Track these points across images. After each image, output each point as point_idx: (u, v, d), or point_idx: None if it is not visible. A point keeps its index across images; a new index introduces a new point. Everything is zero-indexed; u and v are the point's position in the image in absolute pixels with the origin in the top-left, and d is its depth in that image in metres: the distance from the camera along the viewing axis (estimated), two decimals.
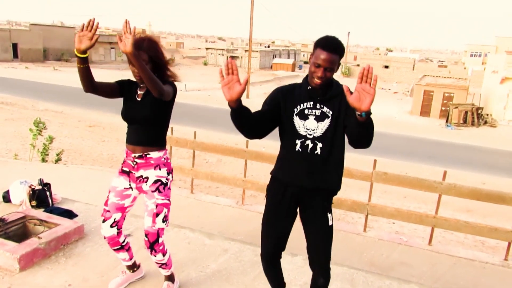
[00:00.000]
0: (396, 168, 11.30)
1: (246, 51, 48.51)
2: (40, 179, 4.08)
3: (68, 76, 32.32)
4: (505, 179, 12.75)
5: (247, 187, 6.24)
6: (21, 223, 3.44)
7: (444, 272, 4.74)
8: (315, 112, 2.19)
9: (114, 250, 2.67)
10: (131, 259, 2.80)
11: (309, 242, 2.32)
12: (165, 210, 2.52)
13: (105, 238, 2.61)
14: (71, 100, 21.03)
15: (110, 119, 16.92)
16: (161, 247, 2.55)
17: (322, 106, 2.19)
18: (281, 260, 2.49)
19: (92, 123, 16.65)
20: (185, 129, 12.13)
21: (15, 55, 42.54)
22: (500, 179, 12.77)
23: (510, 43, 46.54)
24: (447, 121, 24.18)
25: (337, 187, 2.30)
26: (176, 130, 6.94)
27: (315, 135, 2.19)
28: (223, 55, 58.25)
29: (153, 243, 2.50)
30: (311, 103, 2.20)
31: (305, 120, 2.20)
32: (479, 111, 24.45)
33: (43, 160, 8.59)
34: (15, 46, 42.40)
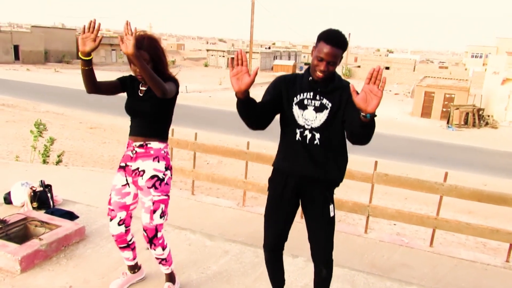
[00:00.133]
0: (397, 169, 11.28)
1: (246, 52, 48.57)
2: (41, 181, 4.08)
3: (69, 78, 32.38)
4: (507, 180, 12.72)
5: (248, 188, 6.24)
6: (22, 224, 3.45)
7: (446, 273, 4.73)
8: (314, 103, 2.19)
9: (120, 248, 2.68)
10: (134, 259, 2.80)
11: (311, 233, 2.32)
12: (162, 206, 2.51)
13: (113, 236, 2.62)
14: (72, 102, 21.06)
15: (111, 121, 16.94)
16: (160, 241, 2.56)
17: (322, 97, 2.19)
18: (282, 260, 2.49)
19: (93, 125, 16.67)
20: (186, 131, 12.13)
21: (17, 57, 42.63)
22: (501, 180, 12.74)
23: (511, 44, 46.52)
24: (448, 122, 24.16)
25: (337, 178, 2.29)
26: (177, 131, 6.95)
27: (313, 125, 2.19)
28: (223, 56, 58.30)
29: (152, 237, 2.52)
30: (311, 93, 2.20)
31: (304, 110, 2.20)
32: (480, 112, 24.41)
33: (44, 162, 8.59)
34: (16, 48, 42.49)
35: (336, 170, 2.27)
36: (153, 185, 2.48)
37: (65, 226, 3.42)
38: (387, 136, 17.99)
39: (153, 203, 2.48)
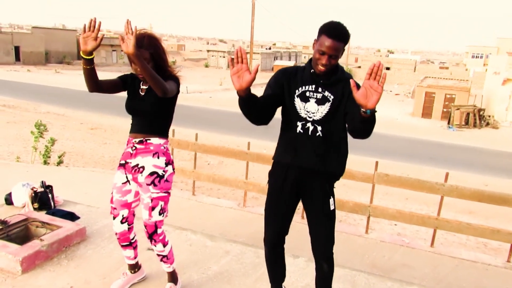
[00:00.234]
0: (398, 169, 11.27)
1: (247, 53, 48.49)
2: (42, 182, 4.09)
3: (69, 78, 32.41)
4: (507, 181, 12.71)
5: (249, 189, 6.24)
6: (23, 225, 3.45)
7: (447, 274, 4.72)
8: (316, 96, 2.18)
9: (122, 246, 2.68)
10: (135, 257, 2.80)
11: (311, 226, 2.32)
12: (161, 203, 2.51)
13: (116, 234, 2.63)
14: (73, 102, 21.08)
15: (112, 122, 16.96)
16: (161, 237, 2.56)
17: (324, 90, 2.18)
18: (284, 255, 2.48)
19: (93, 125, 16.68)
20: (186, 131, 12.14)
21: (17, 58, 42.68)
22: (502, 180, 12.73)
23: (511, 44, 46.48)
24: (448, 123, 24.15)
25: (337, 170, 2.28)
26: (178, 132, 6.95)
27: (315, 118, 2.18)
28: (224, 57, 58.33)
29: (152, 233, 2.53)
30: (313, 86, 2.19)
31: (306, 103, 2.19)
32: (481, 113, 24.40)
33: (45, 162, 8.60)
34: (17, 49, 42.55)
35: (336, 162, 2.26)
36: (152, 182, 2.47)
37: (66, 227, 3.42)
38: (388, 137, 17.98)
39: (152, 200, 2.48)
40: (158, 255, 2.66)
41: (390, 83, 45.65)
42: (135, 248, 2.75)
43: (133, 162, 2.51)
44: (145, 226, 2.54)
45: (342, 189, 8.97)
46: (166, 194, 2.53)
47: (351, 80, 1.90)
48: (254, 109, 2.07)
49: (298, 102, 2.20)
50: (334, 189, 2.37)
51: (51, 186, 4.09)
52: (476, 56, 57.69)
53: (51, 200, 4.00)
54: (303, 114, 2.20)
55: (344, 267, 3.41)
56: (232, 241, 3.76)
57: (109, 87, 2.46)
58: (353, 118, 2.05)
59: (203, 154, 8.90)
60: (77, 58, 47.43)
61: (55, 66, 43.43)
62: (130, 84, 2.55)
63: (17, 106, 19.63)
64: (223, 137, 15.03)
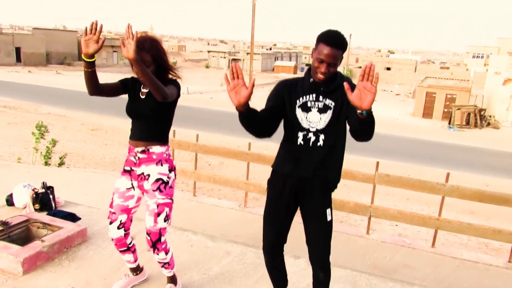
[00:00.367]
0: (399, 170, 11.26)
1: (248, 53, 48.63)
2: (43, 183, 4.09)
3: (70, 79, 32.44)
4: (508, 181, 12.70)
5: (250, 189, 6.24)
6: (24, 226, 3.45)
7: (448, 274, 4.72)
8: (317, 105, 2.19)
9: (120, 251, 2.68)
10: (135, 261, 2.80)
11: (308, 236, 2.32)
12: (167, 209, 2.52)
13: (112, 240, 2.61)
14: (74, 103, 21.11)
15: (113, 123, 16.97)
16: (163, 246, 2.56)
17: (324, 98, 2.19)
18: (284, 262, 2.49)
19: (94, 126, 16.70)
20: (187, 132, 12.14)
21: (18, 59, 42.74)
22: (503, 180, 12.72)
23: None
24: (449, 123, 24.14)
25: (335, 179, 2.29)
26: (179, 132, 6.95)
27: (318, 127, 2.19)
28: (225, 57, 58.35)
29: (156, 242, 2.52)
30: (314, 95, 2.20)
31: (307, 113, 2.20)
32: (482, 113, 24.39)
33: (46, 163, 8.61)
34: (18, 50, 42.61)
35: (335, 171, 2.28)
36: (158, 188, 2.49)
37: (67, 228, 3.42)
38: (389, 137, 17.98)
39: (158, 206, 2.49)
40: (160, 262, 2.65)
41: (391, 83, 45.64)
42: (133, 252, 2.75)
43: (138, 170, 2.53)
44: (149, 234, 2.51)
45: (343, 189, 8.98)
46: (170, 201, 2.54)
47: (344, 83, 1.90)
48: (255, 122, 2.07)
49: (299, 112, 2.21)
50: (334, 193, 2.37)
51: (52, 187, 4.10)
52: (477, 56, 57.63)
53: (52, 201, 4.01)
54: (305, 124, 2.20)
55: (345, 268, 3.41)
56: (233, 242, 3.77)
57: (110, 90, 2.45)
58: (353, 121, 2.06)
59: (203, 154, 8.90)
60: (78, 59, 47.48)
61: (56, 67, 43.49)
62: (131, 88, 2.55)
63: (18, 107, 19.66)
64: (224, 138, 15.04)
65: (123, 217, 2.57)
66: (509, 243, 5.16)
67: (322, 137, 2.19)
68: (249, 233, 5.10)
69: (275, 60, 58.85)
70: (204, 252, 3.49)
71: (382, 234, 6.12)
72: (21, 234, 3.39)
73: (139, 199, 2.60)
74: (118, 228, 2.57)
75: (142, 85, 2.53)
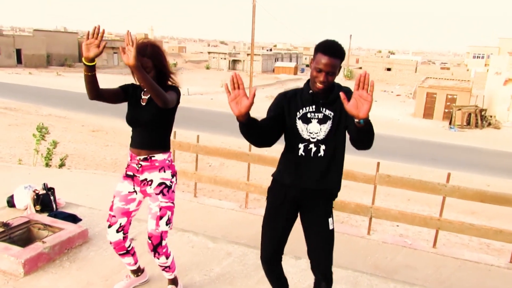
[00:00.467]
0: (400, 170, 11.25)
1: (248, 54, 48.61)
2: (44, 184, 4.10)
3: (71, 81, 32.49)
4: (509, 181, 12.68)
5: (250, 190, 6.24)
6: (25, 227, 3.46)
7: (449, 275, 4.71)
8: (317, 116, 2.20)
9: (120, 255, 2.67)
10: (136, 263, 2.80)
11: (310, 246, 2.31)
12: (169, 213, 2.52)
13: (111, 243, 2.61)
14: (75, 105, 21.12)
15: (113, 124, 16.98)
16: (164, 250, 2.55)
17: (324, 109, 2.20)
18: (285, 263, 2.48)
19: (95, 128, 16.71)
20: (188, 133, 12.16)
21: (19, 60, 42.80)
22: (504, 180, 12.71)
23: None
24: (450, 123, 24.12)
25: (336, 188, 2.30)
26: (179, 134, 6.96)
27: (319, 138, 2.20)
28: (225, 59, 58.39)
29: (157, 245, 2.51)
30: (314, 106, 2.21)
31: (308, 124, 2.21)
32: (483, 113, 24.37)
33: (47, 165, 8.62)
34: (18, 51, 42.68)
35: (336, 180, 2.29)
36: (161, 192, 2.50)
37: (68, 229, 3.42)
38: (389, 137, 17.97)
39: (160, 209, 2.49)
40: (161, 266, 2.65)
41: (391, 84, 45.63)
42: (133, 254, 2.74)
43: (141, 177, 2.53)
44: (150, 238, 2.51)
45: (344, 190, 8.96)
46: (172, 205, 2.55)
47: (340, 93, 1.90)
48: (255, 132, 2.08)
49: (300, 124, 2.22)
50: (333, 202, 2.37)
51: (53, 189, 4.10)
52: (477, 57, 57.61)
53: (53, 202, 4.01)
54: (305, 135, 2.22)
55: (347, 269, 3.41)
56: (234, 243, 3.76)
57: (110, 96, 2.44)
58: (351, 130, 2.07)
59: (204, 156, 8.90)
60: (78, 61, 47.51)
61: (56, 68, 43.54)
62: (132, 94, 2.54)
63: (19, 108, 19.69)
64: (225, 139, 15.04)
65: (123, 220, 2.57)
66: (510, 244, 5.16)
67: (322, 147, 2.20)
68: (250, 234, 5.09)
69: (275, 61, 58.86)
70: (205, 253, 3.49)
71: (383, 234, 6.12)
72: (22, 236, 3.39)
73: (139, 202, 2.61)
74: (117, 231, 2.56)
75: (143, 92, 2.53)
